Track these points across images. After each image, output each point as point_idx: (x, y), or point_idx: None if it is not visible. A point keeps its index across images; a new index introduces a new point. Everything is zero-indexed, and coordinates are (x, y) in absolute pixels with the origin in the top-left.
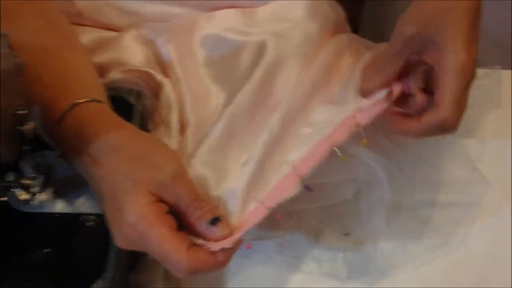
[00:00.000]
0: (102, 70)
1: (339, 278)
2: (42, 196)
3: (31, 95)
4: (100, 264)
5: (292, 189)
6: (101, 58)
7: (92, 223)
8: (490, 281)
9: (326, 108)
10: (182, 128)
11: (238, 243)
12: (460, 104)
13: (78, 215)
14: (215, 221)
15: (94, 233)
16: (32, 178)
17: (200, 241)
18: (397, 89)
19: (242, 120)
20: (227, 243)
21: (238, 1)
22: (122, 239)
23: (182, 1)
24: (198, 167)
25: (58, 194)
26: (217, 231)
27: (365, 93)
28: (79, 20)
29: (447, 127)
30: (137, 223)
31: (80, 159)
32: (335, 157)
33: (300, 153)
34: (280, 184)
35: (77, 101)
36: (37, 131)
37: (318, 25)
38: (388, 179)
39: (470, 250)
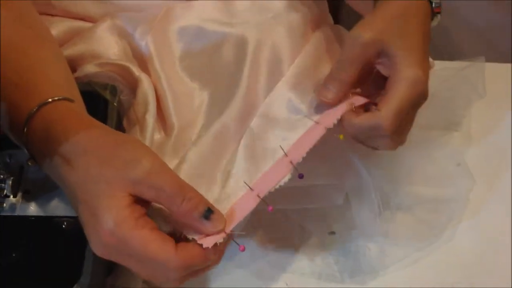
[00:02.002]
0: (74, 63)
1: (330, 277)
2: (13, 199)
3: None
4: (76, 269)
5: (283, 175)
6: (73, 50)
7: (66, 226)
8: (479, 278)
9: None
10: (166, 131)
11: (230, 238)
12: (401, 116)
13: (52, 218)
14: (208, 213)
15: (69, 236)
16: (2, 180)
17: (191, 236)
18: (359, 102)
19: (232, 129)
20: (220, 238)
21: None
22: (99, 246)
23: None
24: (188, 171)
25: (30, 196)
26: (211, 225)
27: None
28: (48, 10)
29: (380, 133)
30: (116, 228)
31: (50, 163)
32: (323, 160)
33: (292, 138)
34: (272, 170)
35: (45, 101)
36: (4, 131)
37: (301, 15)
38: (373, 180)
39: (458, 247)
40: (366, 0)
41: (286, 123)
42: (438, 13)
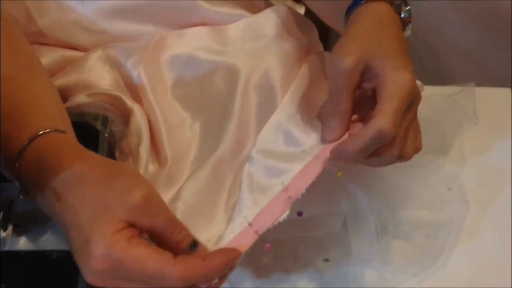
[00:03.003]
0: (66, 93)
1: None
2: (3, 233)
3: None
4: None
5: (282, 211)
6: (64, 80)
7: (58, 259)
8: None
9: (315, 129)
10: (160, 163)
11: (234, 256)
12: (399, 116)
13: (43, 252)
14: (194, 245)
15: (60, 270)
16: None
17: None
18: (354, 129)
19: (227, 163)
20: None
21: (207, 18)
22: (92, 274)
23: (151, 19)
24: (184, 209)
25: (20, 230)
26: (198, 253)
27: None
28: (40, 39)
29: (384, 136)
30: (109, 251)
31: (43, 194)
32: (319, 190)
33: (290, 173)
34: (270, 206)
35: (36, 133)
36: None
37: (292, 44)
38: (369, 203)
39: (454, 272)
40: (337, 13)
41: (284, 157)
42: (409, 22)
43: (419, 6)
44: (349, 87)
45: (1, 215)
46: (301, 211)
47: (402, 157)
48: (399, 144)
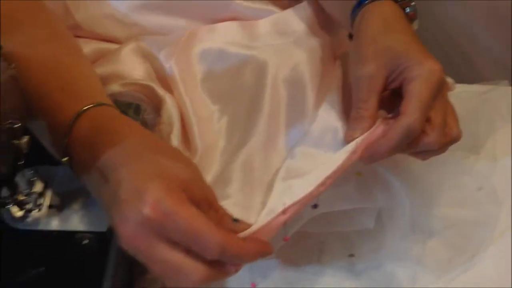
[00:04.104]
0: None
1: None
2: (37, 213)
3: (32, 106)
4: (95, 286)
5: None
6: (99, 70)
7: (89, 242)
8: None
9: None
10: (190, 153)
11: (266, 248)
12: (426, 108)
13: (75, 233)
14: (235, 219)
15: (90, 252)
16: (27, 194)
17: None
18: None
19: (259, 157)
20: (254, 227)
21: (238, 13)
22: (137, 224)
23: (183, 13)
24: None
25: (53, 210)
26: (242, 225)
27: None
28: (76, 32)
29: (414, 133)
30: (164, 199)
31: (95, 160)
32: (353, 185)
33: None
34: (303, 199)
35: (94, 103)
36: (31, 145)
37: (321, 40)
38: (408, 201)
39: (485, 272)
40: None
41: (326, 158)
42: (415, 18)
43: (451, 9)
44: (371, 94)
45: (36, 195)
46: (316, 203)
47: (449, 142)
48: (439, 136)
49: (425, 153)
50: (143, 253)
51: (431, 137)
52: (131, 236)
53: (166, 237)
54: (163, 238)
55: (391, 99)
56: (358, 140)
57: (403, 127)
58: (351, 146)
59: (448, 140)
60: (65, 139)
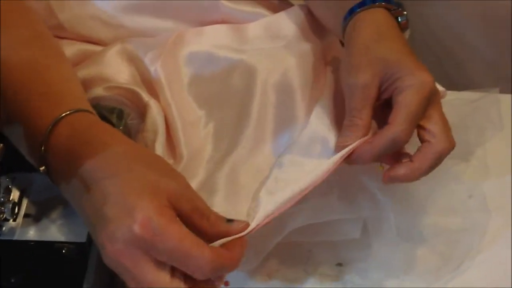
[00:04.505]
0: (83, 86)
1: None
2: (13, 223)
3: (12, 109)
4: None
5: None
6: (82, 73)
7: (66, 251)
8: None
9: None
10: (175, 159)
11: (245, 244)
12: (414, 121)
13: (52, 243)
14: (230, 220)
15: (69, 262)
16: (2, 204)
17: (218, 242)
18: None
19: (244, 163)
20: (250, 228)
21: (227, 16)
22: (124, 241)
23: (171, 14)
24: None
25: (30, 220)
26: (236, 224)
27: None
28: (60, 33)
29: (399, 144)
30: (154, 218)
31: (76, 169)
32: (336, 195)
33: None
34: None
35: (72, 109)
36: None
37: (312, 45)
38: (392, 211)
39: (474, 280)
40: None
41: (314, 166)
42: (407, 27)
43: (443, 14)
44: (365, 103)
45: (11, 204)
46: None
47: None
48: (449, 137)
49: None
50: (128, 272)
51: (439, 145)
52: (117, 253)
53: (153, 257)
54: (150, 257)
55: (383, 110)
56: (350, 147)
57: (388, 136)
58: (341, 153)
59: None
60: (42, 146)
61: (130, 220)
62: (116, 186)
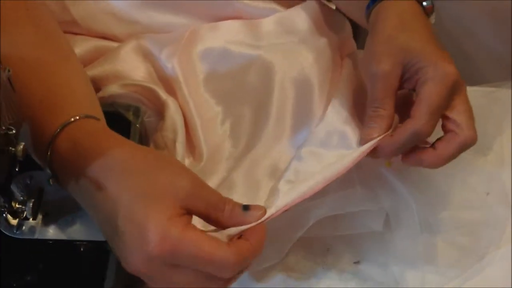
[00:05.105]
0: (99, 83)
1: None
2: (33, 222)
3: (21, 112)
4: None
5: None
6: (98, 70)
7: (86, 250)
8: None
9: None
10: (195, 157)
11: (263, 230)
12: (436, 113)
13: (71, 241)
14: (246, 207)
15: (88, 261)
16: (22, 202)
17: (235, 229)
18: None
19: (263, 159)
20: (266, 215)
21: (241, 11)
22: (145, 260)
23: (185, 10)
24: None
25: (49, 218)
26: (253, 213)
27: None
28: (73, 28)
29: (421, 137)
30: (167, 233)
31: (78, 182)
32: (362, 187)
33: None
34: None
35: (70, 119)
36: (27, 152)
37: (327, 40)
38: (414, 202)
39: (495, 274)
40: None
41: (334, 158)
42: (432, 11)
43: (453, 8)
44: (388, 92)
45: (31, 203)
46: None
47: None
48: (474, 128)
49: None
50: (157, 281)
51: (463, 135)
52: (142, 268)
53: (178, 264)
54: (175, 265)
55: (406, 102)
56: (375, 140)
57: (410, 130)
58: (366, 146)
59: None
60: (45, 155)
61: (145, 242)
62: (119, 205)
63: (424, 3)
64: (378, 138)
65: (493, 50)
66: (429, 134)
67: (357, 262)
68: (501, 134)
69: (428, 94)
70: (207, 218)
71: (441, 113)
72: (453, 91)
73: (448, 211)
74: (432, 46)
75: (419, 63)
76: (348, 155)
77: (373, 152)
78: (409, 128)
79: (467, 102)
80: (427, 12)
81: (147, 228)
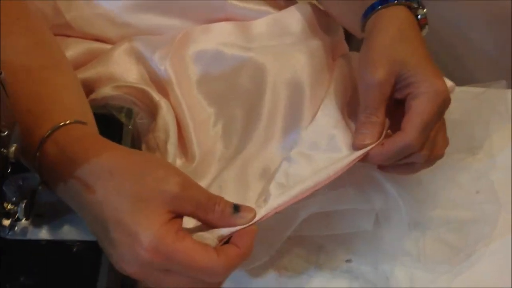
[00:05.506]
0: (91, 85)
1: None
2: (25, 222)
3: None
4: None
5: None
6: (90, 72)
7: (78, 250)
8: None
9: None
10: (187, 158)
11: (253, 232)
12: (426, 129)
13: (64, 242)
14: (236, 208)
15: (80, 261)
16: (14, 203)
17: (226, 230)
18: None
19: (254, 160)
20: (257, 218)
21: (233, 13)
22: (136, 266)
23: (177, 13)
24: None
25: (42, 219)
26: (244, 215)
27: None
28: (67, 31)
29: (411, 151)
30: (159, 243)
31: (66, 186)
32: (352, 186)
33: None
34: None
35: (56, 125)
36: (19, 154)
37: (319, 42)
38: (403, 202)
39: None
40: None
41: (324, 162)
42: (425, 24)
43: (443, 8)
44: (381, 100)
45: (24, 204)
46: None
47: (434, 159)
48: (423, 152)
49: (407, 167)
50: (151, 283)
51: (407, 139)
52: (136, 273)
53: (170, 270)
54: (167, 271)
55: (395, 108)
56: (367, 148)
57: (400, 144)
58: (358, 153)
59: (433, 158)
60: (34, 162)
61: (138, 247)
62: (107, 209)
63: (419, 16)
64: (370, 147)
65: (483, 50)
66: (419, 148)
67: (348, 261)
68: (490, 134)
69: (421, 109)
70: (197, 219)
71: (431, 130)
72: (443, 109)
73: (438, 209)
74: (427, 61)
75: (413, 77)
76: (338, 161)
77: (363, 158)
78: (400, 141)
79: (442, 118)
80: (421, 24)
81: (138, 238)
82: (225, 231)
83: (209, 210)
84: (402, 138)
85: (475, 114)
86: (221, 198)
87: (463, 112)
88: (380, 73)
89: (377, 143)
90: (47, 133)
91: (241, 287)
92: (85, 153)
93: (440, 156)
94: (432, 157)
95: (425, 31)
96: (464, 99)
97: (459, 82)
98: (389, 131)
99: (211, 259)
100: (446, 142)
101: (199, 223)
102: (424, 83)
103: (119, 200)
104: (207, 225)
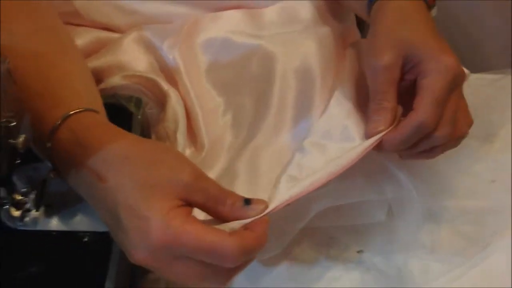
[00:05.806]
0: (101, 74)
1: None
2: (35, 213)
3: (21, 105)
4: (98, 285)
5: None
6: (99, 61)
7: (89, 241)
8: None
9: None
10: (196, 147)
11: (266, 222)
12: (439, 105)
13: (74, 232)
14: (247, 201)
15: (91, 251)
16: (24, 194)
17: (237, 223)
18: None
19: (264, 150)
20: (268, 209)
21: (242, 1)
22: (148, 251)
23: (185, 1)
24: None
25: (52, 210)
26: (255, 207)
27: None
28: (75, 19)
29: (426, 130)
30: (168, 225)
31: (78, 174)
32: (363, 177)
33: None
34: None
35: (70, 111)
36: (28, 144)
37: (330, 29)
38: (417, 192)
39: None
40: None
41: (336, 152)
42: (434, 4)
43: None
44: (391, 84)
45: (34, 194)
46: None
47: (458, 138)
48: (448, 129)
49: (431, 151)
50: (162, 271)
51: (439, 132)
52: (145, 260)
53: (182, 255)
54: (179, 256)
55: (408, 92)
56: (380, 135)
57: (414, 123)
58: (372, 140)
59: (456, 137)
60: (46, 148)
61: (147, 233)
62: (120, 196)
63: None
64: (383, 133)
65: (499, 37)
66: (434, 126)
67: (360, 252)
68: (507, 122)
69: (432, 86)
70: (207, 211)
71: (444, 106)
72: (455, 83)
73: (453, 200)
74: (433, 38)
75: (420, 55)
76: (352, 150)
77: (378, 147)
78: (414, 120)
79: (461, 96)
80: (429, 4)
81: (149, 222)
82: (236, 224)
83: (220, 203)
84: (414, 117)
85: (491, 101)
86: (232, 192)
87: (479, 99)
88: (386, 58)
89: (389, 129)
90: (60, 120)
91: (251, 278)
92: (98, 141)
93: (464, 134)
94: (455, 136)
95: (434, 11)
96: (480, 86)
97: (476, 69)
98: (402, 118)
99: (222, 238)
100: (469, 120)
101: (208, 217)
102: (432, 60)
103: (131, 186)
104: (217, 218)
